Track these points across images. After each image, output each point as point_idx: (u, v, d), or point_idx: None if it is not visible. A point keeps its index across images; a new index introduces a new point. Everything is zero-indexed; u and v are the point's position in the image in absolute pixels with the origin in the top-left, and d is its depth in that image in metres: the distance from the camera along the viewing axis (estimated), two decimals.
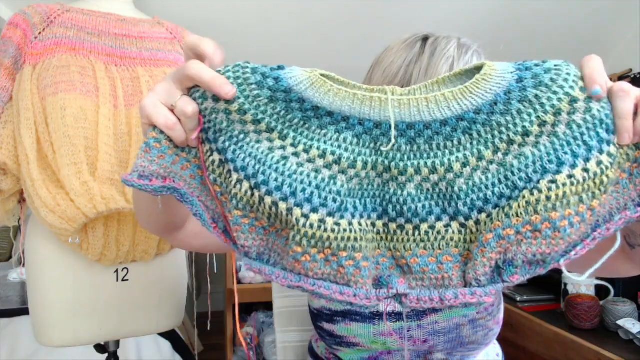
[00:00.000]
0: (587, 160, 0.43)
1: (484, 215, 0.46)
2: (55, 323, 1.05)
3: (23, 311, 1.80)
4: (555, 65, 0.46)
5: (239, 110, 0.47)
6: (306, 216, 0.46)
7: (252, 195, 0.46)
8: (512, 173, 0.45)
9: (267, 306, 2.16)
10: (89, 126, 1.00)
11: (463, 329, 0.72)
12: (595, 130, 0.44)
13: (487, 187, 0.46)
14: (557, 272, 1.54)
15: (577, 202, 0.43)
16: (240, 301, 1.93)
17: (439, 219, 0.47)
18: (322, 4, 1.48)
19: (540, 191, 0.43)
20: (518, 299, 1.60)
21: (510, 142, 0.46)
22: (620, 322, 1.27)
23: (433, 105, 0.47)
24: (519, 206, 0.44)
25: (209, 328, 1.28)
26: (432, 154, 0.47)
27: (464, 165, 0.46)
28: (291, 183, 0.46)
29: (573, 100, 0.44)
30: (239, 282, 1.96)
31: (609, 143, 0.44)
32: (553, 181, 0.43)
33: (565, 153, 0.44)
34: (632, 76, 1.79)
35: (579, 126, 0.44)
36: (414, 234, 0.48)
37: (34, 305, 1.08)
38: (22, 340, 1.68)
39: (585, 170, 0.43)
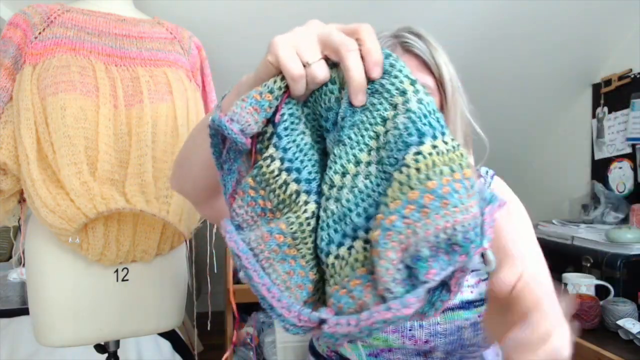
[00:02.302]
0: (443, 134, 0.42)
1: None
2: (55, 323, 1.05)
3: (23, 311, 1.80)
4: (385, 52, 0.46)
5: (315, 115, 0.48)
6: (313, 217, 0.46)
7: (278, 175, 0.45)
8: (385, 164, 0.43)
9: None
10: (89, 126, 1.00)
11: (464, 331, 0.72)
12: (438, 115, 0.44)
13: (374, 191, 0.43)
14: (557, 272, 1.54)
15: (450, 171, 0.40)
16: (240, 301, 1.93)
17: (340, 244, 0.43)
18: (322, 4, 1.48)
19: (408, 166, 0.40)
20: None
21: (377, 136, 0.44)
22: (620, 322, 1.27)
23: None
24: (393, 190, 0.40)
25: (209, 328, 1.28)
26: (321, 179, 0.47)
27: (344, 174, 0.44)
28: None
29: (413, 82, 0.44)
30: (239, 282, 1.96)
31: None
32: (418, 152, 0.40)
33: (425, 124, 0.42)
34: (632, 76, 1.79)
35: (428, 104, 0.43)
36: (326, 274, 0.45)
37: (34, 305, 1.08)
38: (22, 340, 1.68)
39: (446, 142, 0.42)
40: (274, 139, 0.46)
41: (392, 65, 0.45)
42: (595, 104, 1.98)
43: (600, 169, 1.94)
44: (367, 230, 0.42)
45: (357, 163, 0.44)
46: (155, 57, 1.14)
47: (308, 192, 0.46)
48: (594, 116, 1.98)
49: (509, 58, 1.86)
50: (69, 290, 1.06)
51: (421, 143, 0.41)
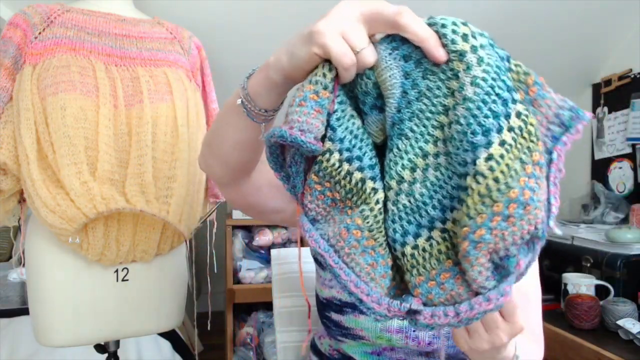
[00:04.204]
0: (507, 117, 0.39)
1: (456, 213, 0.42)
2: (55, 323, 1.05)
3: (23, 311, 1.80)
4: (427, 20, 0.43)
5: (376, 84, 0.45)
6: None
7: (339, 167, 0.44)
8: (452, 159, 0.41)
9: (267, 306, 2.15)
10: (89, 126, 1.00)
11: None
12: (500, 78, 0.40)
13: (446, 182, 0.42)
14: (557, 272, 1.54)
15: (521, 167, 0.39)
16: (240, 301, 1.93)
17: (417, 235, 0.44)
18: (322, 4, 1.48)
19: (484, 176, 0.38)
20: None
21: (441, 126, 0.42)
22: (620, 322, 1.27)
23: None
24: (474, 202, 0.39)
25: (209, 328, 1.28)
26: (385, 173, 0.46)
27: (413, 169, 0.43)
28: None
29: (461, 55, 0.40)
30: (239, 282, 1.96)
31: (513, 90, 0.40)
32: (489, 157, 0.38)
33: (487, 116, 0.38)
34: (632, 76, 1.79)
35: (484, 79, 0.39)
36: (404, 263, 0.45)
37: (34, 305, 1.08)
38: (22, 340, 1.67)
39: (511, 129, 0.39)
40: (329, 132, 0.44)
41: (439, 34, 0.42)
42: (595, 104, 1.98)
43: (600, 169, 1.94)
44: (443, 221, 0.43)
45: (425, 156, 0.43)
46: (155, 57, 1.14)
47: (373, 179, 0.45)
48: (594, 116, 1.98)
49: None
50: (69, 290, 1.06)
51: (489, 143, 0.38)
